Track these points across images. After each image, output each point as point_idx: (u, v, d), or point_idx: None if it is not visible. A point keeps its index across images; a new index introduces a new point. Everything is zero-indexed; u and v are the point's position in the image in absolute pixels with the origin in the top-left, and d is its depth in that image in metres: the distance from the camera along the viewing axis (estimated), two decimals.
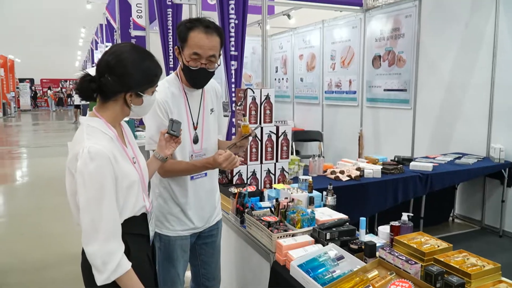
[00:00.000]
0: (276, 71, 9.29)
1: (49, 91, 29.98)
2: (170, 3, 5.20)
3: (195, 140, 2.10)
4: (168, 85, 2.07)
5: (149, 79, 1.62)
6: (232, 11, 3.71)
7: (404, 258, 1.72)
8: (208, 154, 2.14)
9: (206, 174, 2.15)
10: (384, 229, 2.11)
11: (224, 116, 2.49)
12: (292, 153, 3.25)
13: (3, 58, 24.40)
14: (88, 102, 10.73)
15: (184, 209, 2.11)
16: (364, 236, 2.06)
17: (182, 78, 2.08)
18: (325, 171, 3.84)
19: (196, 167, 2.03)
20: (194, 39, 1.93)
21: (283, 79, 9.07)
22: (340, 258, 1.81)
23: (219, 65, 2.04)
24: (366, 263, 1.81)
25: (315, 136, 7.32)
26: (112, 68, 1.53)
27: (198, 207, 2.15)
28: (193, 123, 2.11)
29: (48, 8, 26.44)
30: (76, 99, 19.35)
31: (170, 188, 2.10)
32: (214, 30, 1.96)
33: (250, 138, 2.18)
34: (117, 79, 1.53)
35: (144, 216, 1.69)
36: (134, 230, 1.63)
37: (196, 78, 2.03)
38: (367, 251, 1.86)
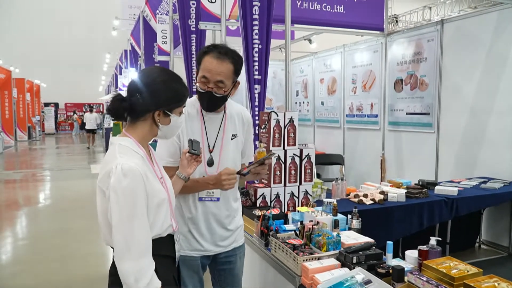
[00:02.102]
0: (297, 95, 9.35)
1: (75, 115, 30.58)
2: (194, 29, 5.33)
3: (210, 163, 2.10)
4: (186, 106, 2.12)
5: (178, 98, 1.67)
6: (256, 36, 3.78)
7: (434, 283, 1.69)
8: None
9: (218, 199, 2.12)
10: (412, 254, 2.08)
11: None
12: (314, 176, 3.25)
13: (29, 83, 25.15)
14: (111, 126, 10.91)
15: (192, 229, 2.11)
16: (391, 260, 2.04)
17: None
18: (348, 195, 3.81)
19: (198, 183, 2.03)
20: (205, 63, 1.99)
21: (303, 102, 9.12)
22: (368, 282, 1.78)
23: (226, 92, 2.03)
24: (394, 287, 1.79)
25: (336, 160, 7.29)
26: (142, 87, 1.60)
27: (208, 230, 2.12)
28: (209, 146, 2.12)
29: (75, 35, 27.47)
30: (88, 124, 18.70)
31: (180, 207, 2.11)
32: (227, 57, 1.99)
33: (266, 167, 2.16)
34: (147, 97, 1.59)
35: (170, 237, 1.71)
36: (161, 252, 1.64)
37: (203, 101, 2.06)
38: (395, 276, 1.84)
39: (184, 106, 1.75)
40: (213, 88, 1.99)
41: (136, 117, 1.63)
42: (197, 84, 2.02)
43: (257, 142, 2.28)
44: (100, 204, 1.56)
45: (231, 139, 2.17)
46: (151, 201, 1.56)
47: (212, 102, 2.05)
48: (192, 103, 2.15)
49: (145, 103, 1.60)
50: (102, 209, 1.55)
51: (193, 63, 5.55)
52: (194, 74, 5.59)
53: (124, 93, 1.66)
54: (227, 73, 2.00)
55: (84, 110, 31.59)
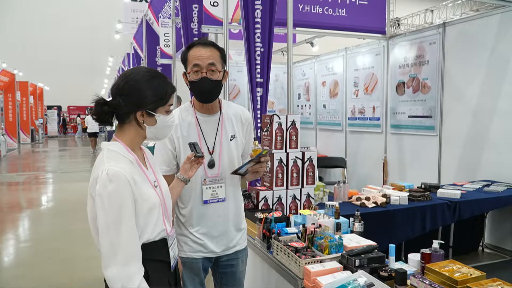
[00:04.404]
0: (299, 98, 9.35)
1: (78, 118, 30.61)
2: (196, 32, 5.33)
3: (211, 165, 2.10)
4: (179, 112, 2.13)
5: (158, 97, 1.62)
6: (258, 39, 3.79)
7: (437, 286, 1.69)
8: (226, 180, 2.14)
9: (224, 199, 2.13)
10: (414, 257, 2.08)
11: None
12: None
13: (33, 86, 25.24)
14: (114, 129, 10.88)
15: (193, 230, 2.10)
16: (394, 264, 2.03)
17: (195, 105, 2.14)
18: (350, 198, 3.80)
19: (172, 184, 1.97)
20: (193, 54, 2.02)
21: (305, 105, 9.12)
22: (370, 285, 1.78)
23: (219, 77, 2.03)
24: None
25: (338, 163, 7.28)
26: (121, 89, 1.58)
27: (210, 230, 2.12)
28: (208, 148, 2.11)
29: (78, 39, 27.58)
30: (90, 127, 18.03)
31: (178, 211, 2.12)
32: (211, 45, 2.04)
33: (265, 164, 2.12)
34: (126, 98, 1.57)
35: (164, 242, 1.67)
36: (153, 256, 1.61)
37: (201, 90, 2.04)
38: (398, 279, 1.83)
39: (171, 104, 1.69)
40: (207, 73, 2.00)
41: (121, 120, 1.62)
42: (190, 76, 2.02)
43: (252, 143, 2.25)
44: (90, 211, 1.54)
45: (230, 140, 2.16)
46: (141, 206, 1.54)
47: (209, 89, 2.03)
48: (186, 108, 2.16)
49: (125, 105, 1.57)
50: (92, 215, 1.53)
51: None
52: (187, 74, 5.58)
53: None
54: (216, 57, 2.02)
55: (86, 113, 31.67)
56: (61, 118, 32.96)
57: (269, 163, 2.91)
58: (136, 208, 1.53)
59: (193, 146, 1.93)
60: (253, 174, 2.16)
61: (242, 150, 2.23)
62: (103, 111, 1.58)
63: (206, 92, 2.05)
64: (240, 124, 2.22)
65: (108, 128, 17.19)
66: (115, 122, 1.69)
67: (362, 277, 1.83)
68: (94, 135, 18.25)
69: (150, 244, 1.59)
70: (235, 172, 2.10)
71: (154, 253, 1.61)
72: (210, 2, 5.03)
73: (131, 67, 12.68)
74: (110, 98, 1.62)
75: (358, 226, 2.51)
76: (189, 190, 2.08)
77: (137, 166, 1.61)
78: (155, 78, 1.62)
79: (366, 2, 6.04)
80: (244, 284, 2.35)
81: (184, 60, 2.06)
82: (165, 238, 1.68)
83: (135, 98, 1.57)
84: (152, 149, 1.89)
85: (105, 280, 1.53)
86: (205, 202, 2.10)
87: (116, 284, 1.44)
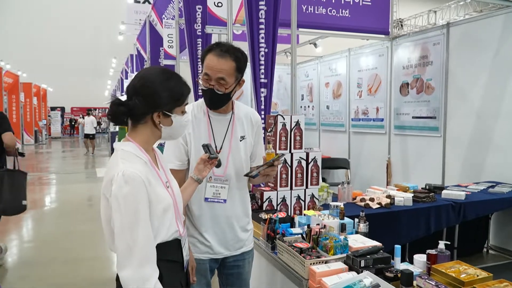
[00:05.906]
0: (302, 99, 9.35)
1: (80, 119, 30.69)
2: (200, 33, 5.35)
3: (217, 165, 2.06)
4: (192, 108, 2.13)
5: (175, 98, 1.62)
6: (262, 40, 3.79)
7: (443, 287, 1.68)
8: (231, 180, 2.13)
9: (225, 201, 2.11)
10: (420, 258, 2.07)
11: None
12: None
13: (36, 88, 25.30)
14: (117, 130, 10.85)
15: (201, 231, 2.09)
16: (399, 264, 2.02)
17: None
18: (354, 199, 3.79)
19: (185, 184, 1.97)
20: (207, 61, 2.00)
21: (309, 106, 9.12)
22: (376, 286, 1.77)
23: (228, 90, 2.01)
24: None
25: (342, 164, 7.27)
26: (138, 89, 1.57)
27: (217, 231, 2.11)
28: (216, 147, 2.10)
29: (82, 40, 27.69)
30: (86, 128, 17.84)
31: (188, 210, 2.11)
32: (229, 54, 1.99)
33: (276, 168, 2.12)
34: (143, 99, 1.55)
35: (177, 242, 1.67)
36: (167, 257, 1.61)
37: (206, 98, 2.06)
38: (404, 280, 1.82)
39: (187, 103, 1.70)
40: (215, 86, 1.99)
41: (136, 120, 1.61)
42: (200, 82, 2.03)
43: (266, 145, 2.26)
44: (103, 211, 1.54)
45: (240, 140, 2.16)
46: (156, 208, 1.54)
47: (214, 100, 2.05)
48: (199, 105, 2.15)
49: (142, 106, 1.56)
50: (105, 216, 1.53)
51: (199, 67, 5.57)
52: (200, 78, 5.59)
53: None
54: (228, 70, 1.99)
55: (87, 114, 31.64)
56: (69, 119, 33.10)
57: None
58: (151, 210, 1.52)
59: (206, 147, 1.93)
60: (263, 177, 2.15)
61: (250, 152, 2.22)
62: (119, 111, 1.57)
63: (211, 102, 2.07)
64: (250, 126, 2.22)
65: (111, 129, 17.17)
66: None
67: (368, 278, 1.82)
68: (89, 136, 18.00)
69: (164, 245, 1.59)
70: (247, 175, 2.10)
71: (167, 254, 1.61)
72: (214, 2, 5.03)
73: (135, 68, 12.70)
74: (124, 97, 1.61)
75: (363, 227, 2.51)
76: (198, 189, 2.06)
77: (151, 166, 1.60)
78: (171, 79, 1.62)
79: (370, 3, 6.04)
80: (249, 284, 2.35)
81: (202, 62, 2.06)
82: (178, 238, 1.67)
83: (152, 99, 1.57)
84: (159, 148, 1.88)
85: (116, 280, 1.53)
86: (206, 199, 2.09)
87: (131, 285, 1.43)
